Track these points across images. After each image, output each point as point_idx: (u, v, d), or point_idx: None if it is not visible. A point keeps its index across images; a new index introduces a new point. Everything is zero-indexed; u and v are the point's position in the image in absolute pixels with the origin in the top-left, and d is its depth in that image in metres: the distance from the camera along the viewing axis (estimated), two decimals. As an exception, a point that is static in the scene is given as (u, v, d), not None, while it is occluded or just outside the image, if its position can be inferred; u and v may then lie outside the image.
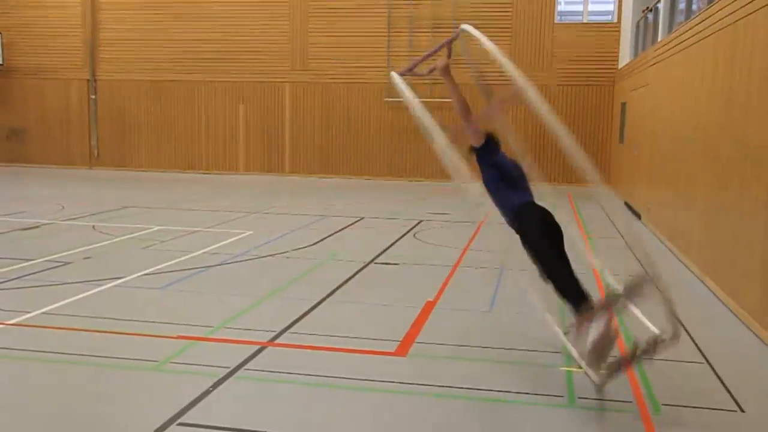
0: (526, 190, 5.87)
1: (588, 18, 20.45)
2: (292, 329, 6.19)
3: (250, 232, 11.03)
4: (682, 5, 11.68)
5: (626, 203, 15.28)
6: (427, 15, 20.13)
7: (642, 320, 5.28)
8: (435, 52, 6.09)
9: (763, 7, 6.69)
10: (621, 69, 18.46)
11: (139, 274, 8.07)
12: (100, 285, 7.53)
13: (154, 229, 11.00)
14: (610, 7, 20.01)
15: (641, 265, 5.48)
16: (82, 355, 5.42)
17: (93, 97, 22.19)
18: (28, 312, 6.43)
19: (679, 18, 11.68)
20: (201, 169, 21.74)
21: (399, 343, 5.88)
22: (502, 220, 5.96)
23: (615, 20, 19.73)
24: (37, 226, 11.29)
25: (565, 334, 5.62)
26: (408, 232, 11.48)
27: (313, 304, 7.01)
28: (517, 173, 5.92)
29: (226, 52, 21.25)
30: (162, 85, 21.88)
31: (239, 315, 6.62)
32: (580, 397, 4.84)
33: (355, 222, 12.45)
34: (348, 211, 13.77)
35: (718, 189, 7.99)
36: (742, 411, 4.73)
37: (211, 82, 21.56)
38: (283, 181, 19.60)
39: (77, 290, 7.29)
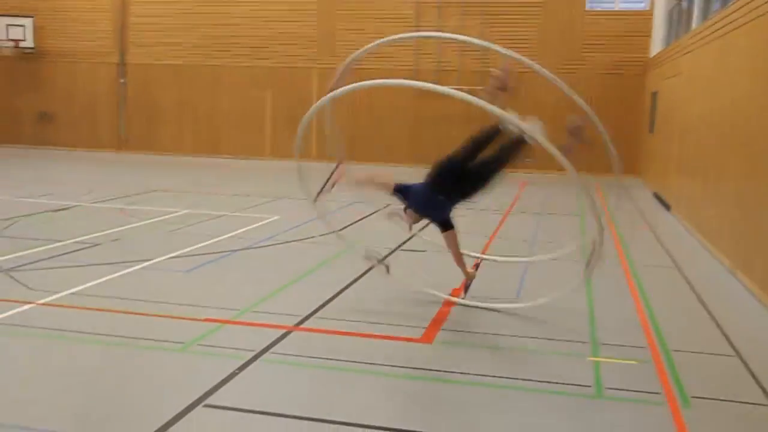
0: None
1: (620, 5, 20.12)
2: (317, 314, 6.19)
3: (276, 217, 11.05)
4: (718, -8, 11.44)
5: (656, 194, 15.09)
6: (456, 1, 19.96)
7: None
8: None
9: (804, -7, 6.52)
10: (652, 58, 18.18)
11: (166, 257, 8.12)
12: (128, 267, 7.58)
13: (181, 212, 11.06)
14: (644, -6, 19.68)
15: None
16: (109, 335, 5.46)
17: (122, 81, 22.35)
18: (57, 292, 6.49)
19: (715, 6, 11.45)
20: (227, 153, 21.79)
21: (425, 330, 5.86)
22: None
23: (647, 8, 19.41)
24: (66, 208, 11.39)
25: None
26: (434, 219, 11.42)
27: (338, 289, 7.00)
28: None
29: (253, 37, 21.25)
30: (189, 69, 21.95)
31: (265, 299, 6.63)
32: (608, 388, 4.78)
33: (382, 209, 12.41)
34: (374, 198, 13.73)
35: (752, 181, 7.84)
36: (774, 405, 4.64)
37: (239, 66, 21.58)
38: (308, 167, 19.59)
39: (105, 272, 7.35)
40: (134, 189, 13.93)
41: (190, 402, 4.30)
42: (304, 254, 8.72)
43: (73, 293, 6.52)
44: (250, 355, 5.11)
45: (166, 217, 10.65)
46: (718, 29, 10.04)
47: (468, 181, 6.37)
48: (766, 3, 7.70)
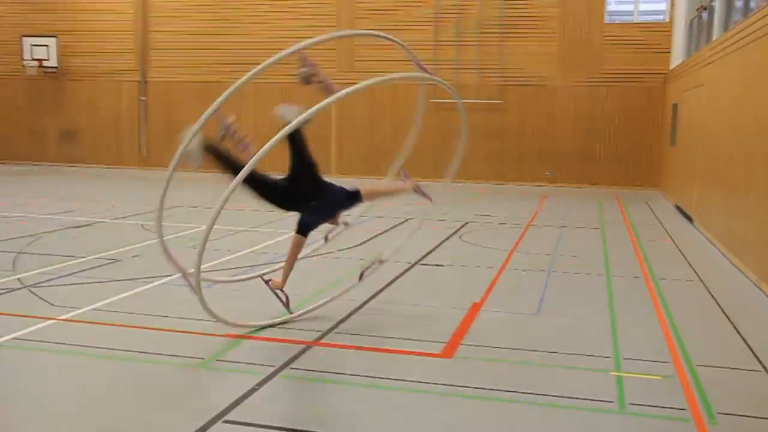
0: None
1: (639, 18, 20.04)
2: (337, 329, 6.17)
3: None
4: (738, 3, 11.36)
5: (677, 206, 14.94)
6: (474, 15, 19.98)
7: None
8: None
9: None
10: (673, 69, 18.06)
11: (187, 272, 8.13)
12: (149, 282, 7.62)
13: (202, 228, 11.09)
14: (663, 6, 19.59)
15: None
16: (130, 351, 5.47)
17: (143, 98, 22.57)
18: (78, 308, 6.53)
19: (736, 16, 11.36)
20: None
21: (445, 344, 5.81)
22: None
23: (667, 19, 19.31)
24: (88, 225, 11.49)
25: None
26: (454, 233, 11.39)
27: (358, 304, 6.98)
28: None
29: (273, 53, 21.35)
30: (210, 86, 22.07)
31: (285, 314, 6.61)
32: (631, 404, 4.71)
33: (401, 223, 12.41)
34: (394, 212, 13.72)
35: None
36: (803, 421, 4.55)
37: (258, 83, 21.70)
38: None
39: (126, 287, 7.38)
40: (156, 205, 13.99)
41: (210, 418, 4.29)
42: (323, 269, 8.71)
43: (94, 309, 6.55)
44: (270, 370, 5.10)
45: (188, 232, 10.70)
46: (740, 40, 9.96)
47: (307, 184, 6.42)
48: (787, 13, 7.62)
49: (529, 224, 12.62)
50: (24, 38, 22.31)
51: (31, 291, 7.19)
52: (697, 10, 15.50)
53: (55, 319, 6.21)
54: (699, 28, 15.18)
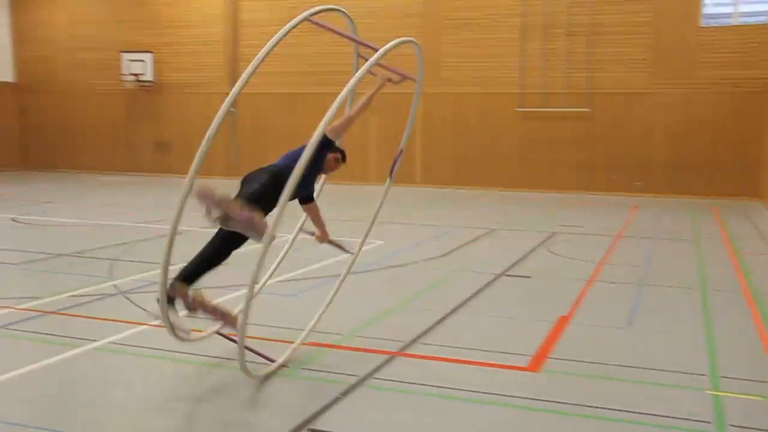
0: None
1: (738, 20, 19.16)
2: (421, 339, 6.12)
3: (381, 242, 11.08)
4: None
5: (779, 217, 14.23)
6: (562, 22, 19.62)
7: None
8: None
9: None
10: (774, 74, 17.24)
11: (272, 280, 8.25)
12: (236, 290, 7.76)
13: (287, 236, 11.26)
14: (765, 7, 18.68)
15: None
16: (218, 357, 5.58)
17: (233, 110, 23.18)
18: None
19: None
20: (332, 179, 22.03)
21: (531, 358, 5.69)
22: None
23: (768, 21, 18.45)
24: (180, 233, 11.81)
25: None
26: (540, 244, 11.17)
27: (442, 315, 6.92)
28: None
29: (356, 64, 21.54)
30: (296, 97, 22.54)
31: (369, 323, 6.63)
32: (731, 425, 4.47)
33: (486, 233, 12.27)
34: (479, 222, 13.59)
35: None
36: None
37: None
38: (414, 192, 19.65)
39: (214, 295, 7.53)
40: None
41: (294, 426, 4.31)
42: (407, 279, 8.69)
43: (183, 315, 6.71)
44: (354, 380, 5.10)
45: (274, 241, 10.85)
46: None
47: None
48: None
49: (619, 235, 12.26)
50: (122, 54, 23.32)
51: (126, 297, 7.45)
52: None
53: (147, 324, 6.40)
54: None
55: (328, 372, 5.31)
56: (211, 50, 23.27)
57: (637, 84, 19.23)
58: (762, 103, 18.30)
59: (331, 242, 6.22)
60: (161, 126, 24.07)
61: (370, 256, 10.01)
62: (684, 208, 16.68)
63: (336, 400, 4.73)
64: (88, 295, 7.49)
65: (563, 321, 6.75)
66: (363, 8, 21.44)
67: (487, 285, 8.30)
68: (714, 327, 6.69)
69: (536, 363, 5.58)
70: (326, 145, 5.71)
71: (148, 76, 23.27)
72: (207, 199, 4.92)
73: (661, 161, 19.05)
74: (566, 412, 4.64)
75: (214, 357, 5.59)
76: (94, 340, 5.97)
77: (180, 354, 5.64)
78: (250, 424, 4.46)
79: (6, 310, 6.81)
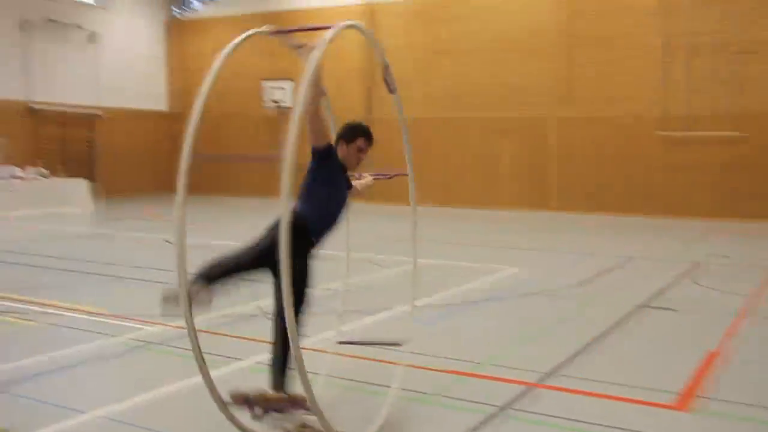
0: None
1: None
2: (560, 371, 5.99)
3: (515, 269, 10.94)
4: None
5: None
6: (706, 42, 18.69)
7: None
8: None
9: None
10: None
11: (406, 306, 8.32)
12: (372, 315, 7.88)
13: (419, 262, 11.33)
14: None
15: None
16: (351, 380, 5.68)
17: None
18: (307, 336, 6.85)
19: None
20: (460, 204, 21.90)
21: (679, 395, 5.42)
22: None
23: None
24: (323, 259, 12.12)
25: None
26: (684, 274, 10.66)
27: (581, 346, 6.73)
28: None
29: (486, 86, 21.44)
30: (420, 122, 22.66)
31: (506, 352, 6.55)
32: None
33: (626, 262, 11.85)
34: (618, 250, 13.15)
35: None
36: None
37: (474, 117, 21.89)
38: (548, 218, 19.25)
39: (347, 319, 7.66)
40: (375, 239, 14.56)
41: (434, 454, 4.32)
42: (545, 307, 8.53)
43: (323, 338, 6.87)
44: (493, 410, 5.05)
45: (407, 267, 10.94)
46: None
47: None
48: None
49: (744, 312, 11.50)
50: (263, 82, 24.50)
51: (268, 318, 7.70)
52: None
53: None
54: None
55: (464, 400, 5.29)
56: (346, 76, 23.91)
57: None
58: None
59: (375, 176, 5.89)
60: (299, 149, 24.91)
61: (505, 282, 9.91)
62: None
63: (474, 429, 4.70)
64: (233, 315, 7.83)
65: (712, 357, 6.40)
66: (493, 30, 21.38)
67: (628, 316, 8.01)
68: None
69: (684, 401, 5.31)
70: (325, 155, 4.94)
71: (287, 102, 24.28)
72: (242, 404, 4.46)
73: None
74: (719, 455, 4.40)
75: (350, 380, 5.68)
76: (240, 359, 6.24)
77: (313, 376, 5.78)
78: (389, 449, 4.50)
79: (161, 327, 7.24)
